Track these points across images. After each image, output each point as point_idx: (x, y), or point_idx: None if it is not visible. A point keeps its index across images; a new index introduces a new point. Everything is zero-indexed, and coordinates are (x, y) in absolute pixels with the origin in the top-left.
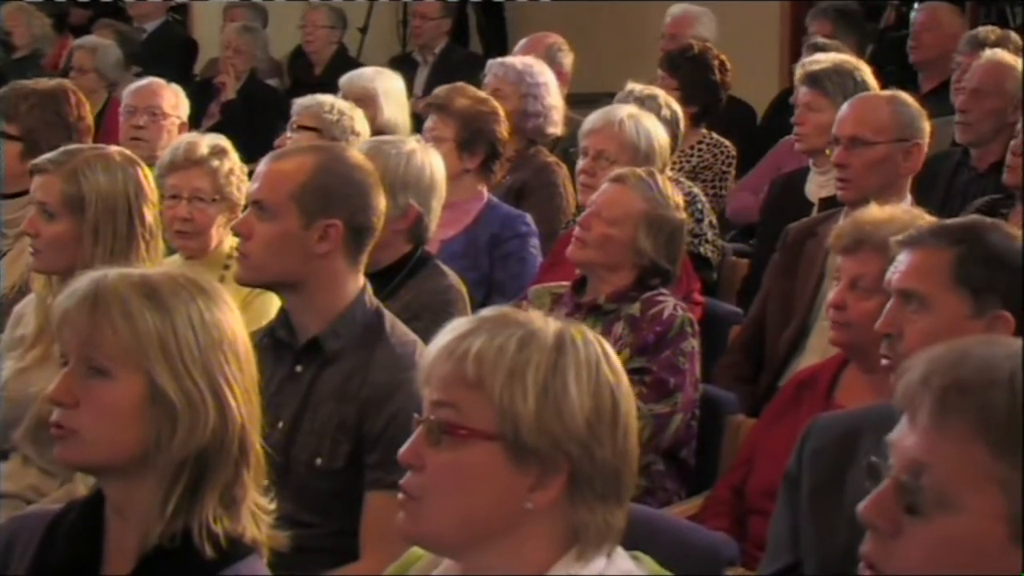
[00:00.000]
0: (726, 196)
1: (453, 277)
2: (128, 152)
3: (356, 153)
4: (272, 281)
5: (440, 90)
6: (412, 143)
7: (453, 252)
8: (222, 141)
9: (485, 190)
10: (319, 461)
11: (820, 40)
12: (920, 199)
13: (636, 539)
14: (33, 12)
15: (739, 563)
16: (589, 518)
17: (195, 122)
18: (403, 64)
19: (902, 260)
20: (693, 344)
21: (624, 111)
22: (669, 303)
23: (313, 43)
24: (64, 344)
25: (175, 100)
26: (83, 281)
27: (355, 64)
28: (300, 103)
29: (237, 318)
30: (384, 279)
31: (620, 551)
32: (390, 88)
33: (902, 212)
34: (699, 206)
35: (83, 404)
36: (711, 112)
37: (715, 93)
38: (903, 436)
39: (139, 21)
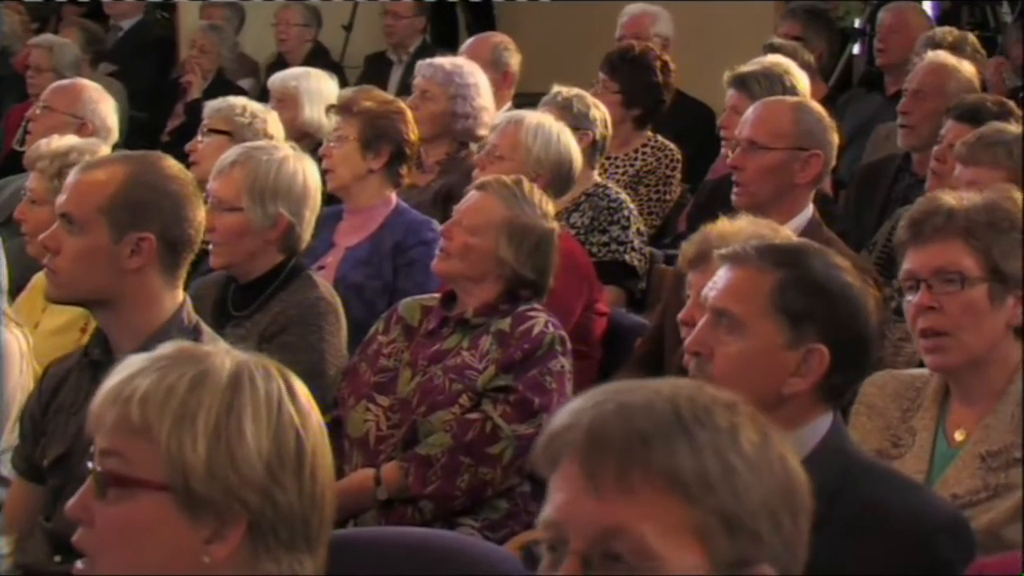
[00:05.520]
0: (671, 200)
1: (325, 288)
2: None
3: (172, 163)
4: (83, 298)
5: (344, 91)
6: (286, 149)
7: (358, 259)
8: (72, 142)
9: (393, 195)
10: None
11: (777, 41)
12: (860, 205)
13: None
14: (1, 9)
15: None
16: (274, 568)
17: (162, 123)
18: (378, 63)
19: (722, 277)
20: (563, 363)
21: (531, 117)
22: (540, 319)
23: (287, 42)
24: None
25: (81, 100)
26: None
27: (333, 63)
28: (211, 106)
29: None
30: (255, 290)
31: None
32: (316, 88)
33: (751, 224)
34: (625, 213)
35: None
36: (654, 115)
37: (657, 95)
38: (576, 503)
39: (116, 19)
